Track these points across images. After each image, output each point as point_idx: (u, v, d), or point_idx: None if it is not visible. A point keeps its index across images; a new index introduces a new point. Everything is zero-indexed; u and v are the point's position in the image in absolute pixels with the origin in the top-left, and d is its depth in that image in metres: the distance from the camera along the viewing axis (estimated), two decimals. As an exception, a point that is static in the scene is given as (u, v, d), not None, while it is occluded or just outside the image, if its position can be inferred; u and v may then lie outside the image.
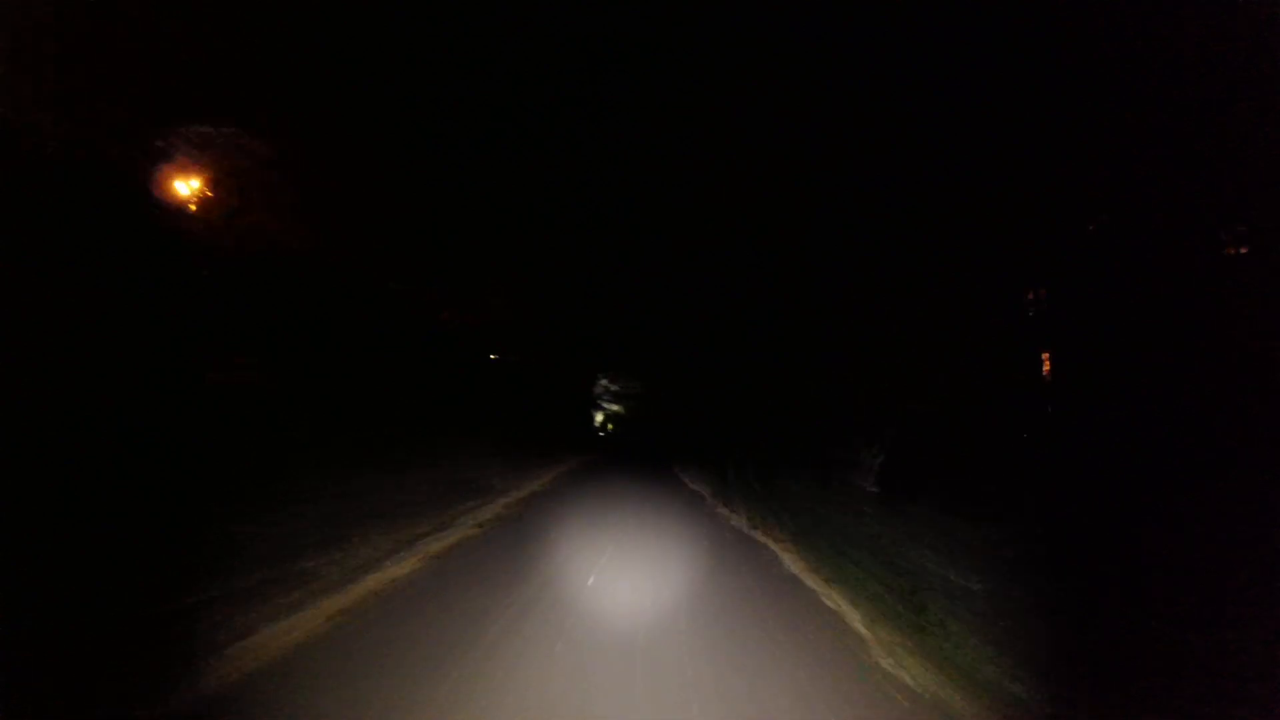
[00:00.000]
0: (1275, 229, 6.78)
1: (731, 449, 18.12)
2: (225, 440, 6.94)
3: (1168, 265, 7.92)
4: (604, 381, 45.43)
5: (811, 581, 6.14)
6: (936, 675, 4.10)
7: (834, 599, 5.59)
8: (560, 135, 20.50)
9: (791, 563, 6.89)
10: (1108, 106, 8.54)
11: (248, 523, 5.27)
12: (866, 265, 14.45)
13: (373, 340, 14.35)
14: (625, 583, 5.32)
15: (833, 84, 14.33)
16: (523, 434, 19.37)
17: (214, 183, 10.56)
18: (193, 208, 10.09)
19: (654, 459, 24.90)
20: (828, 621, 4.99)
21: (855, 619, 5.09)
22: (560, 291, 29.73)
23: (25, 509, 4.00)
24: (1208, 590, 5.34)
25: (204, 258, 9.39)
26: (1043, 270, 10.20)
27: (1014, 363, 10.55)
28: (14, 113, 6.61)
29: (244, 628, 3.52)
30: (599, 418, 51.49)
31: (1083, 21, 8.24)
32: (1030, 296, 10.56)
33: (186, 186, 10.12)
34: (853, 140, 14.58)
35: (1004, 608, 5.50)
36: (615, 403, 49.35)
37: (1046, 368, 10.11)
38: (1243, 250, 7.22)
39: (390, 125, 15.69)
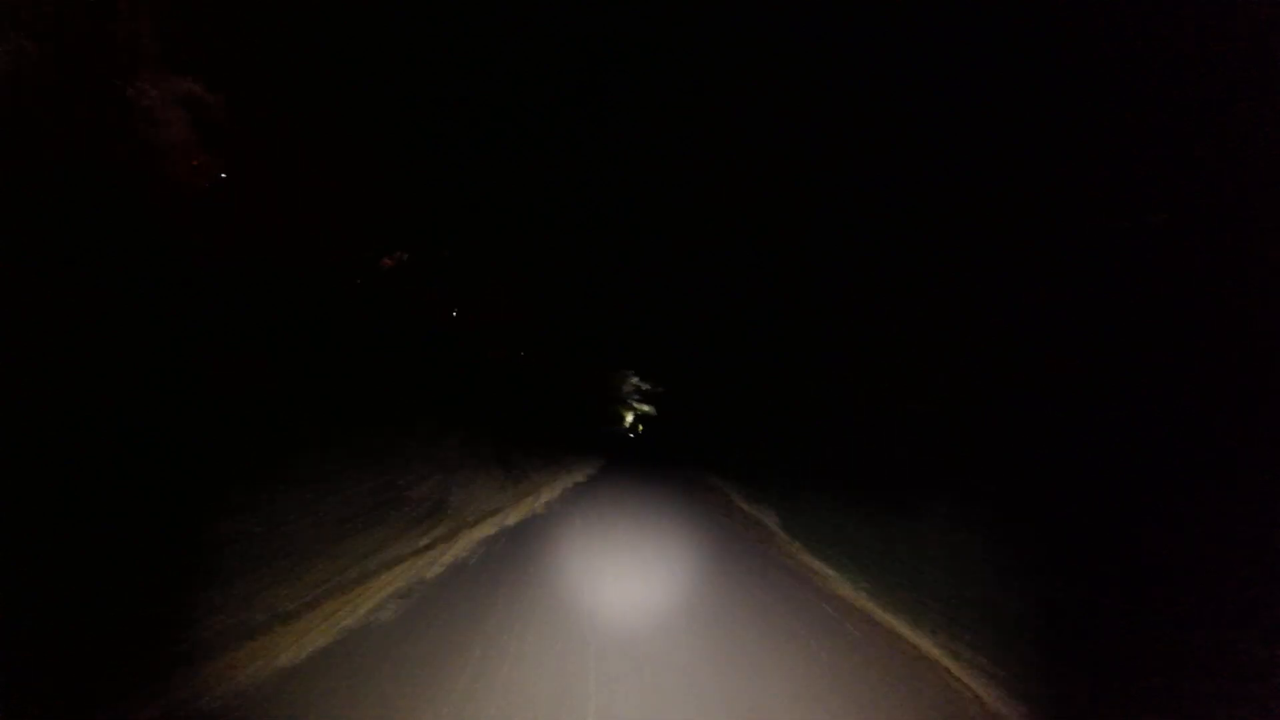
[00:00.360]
0: (1275, 229, 6.77)
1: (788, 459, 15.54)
2: (213, 444, 6.54)
3: (1167, 265, 7.92)
4: (634, 380, 41.42)
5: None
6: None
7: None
8: (563, 135, 20.51)
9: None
10: (1108, 106, 8.54)
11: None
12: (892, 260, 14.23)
13: (373, 340, 14.35)
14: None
15: (833, 84, 14.33)
16: (529, 436, 18.94)
17: (214, 180, 10.56)
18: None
19: (688, 466, 20.82)
20: None
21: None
22: (573, 291, 29.40)
23: None
24: (1208, 590, 5.34)
25: (203, 256, 9.39)
26: (1042, 270, 10.20)
27: (1019, 362, 10.53)
28: (13, 109, 6.61)
29: None
30: (629, 418, 48.97)
31: (1082, 21, 8.25)
32: (1032, 297, 10.56)
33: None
34: (854, 140, 14.58)
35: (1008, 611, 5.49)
36: (646, 402, 45.67)
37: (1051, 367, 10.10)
38: (1243, 249, 7.21)
39: (391, 125, 15.69)
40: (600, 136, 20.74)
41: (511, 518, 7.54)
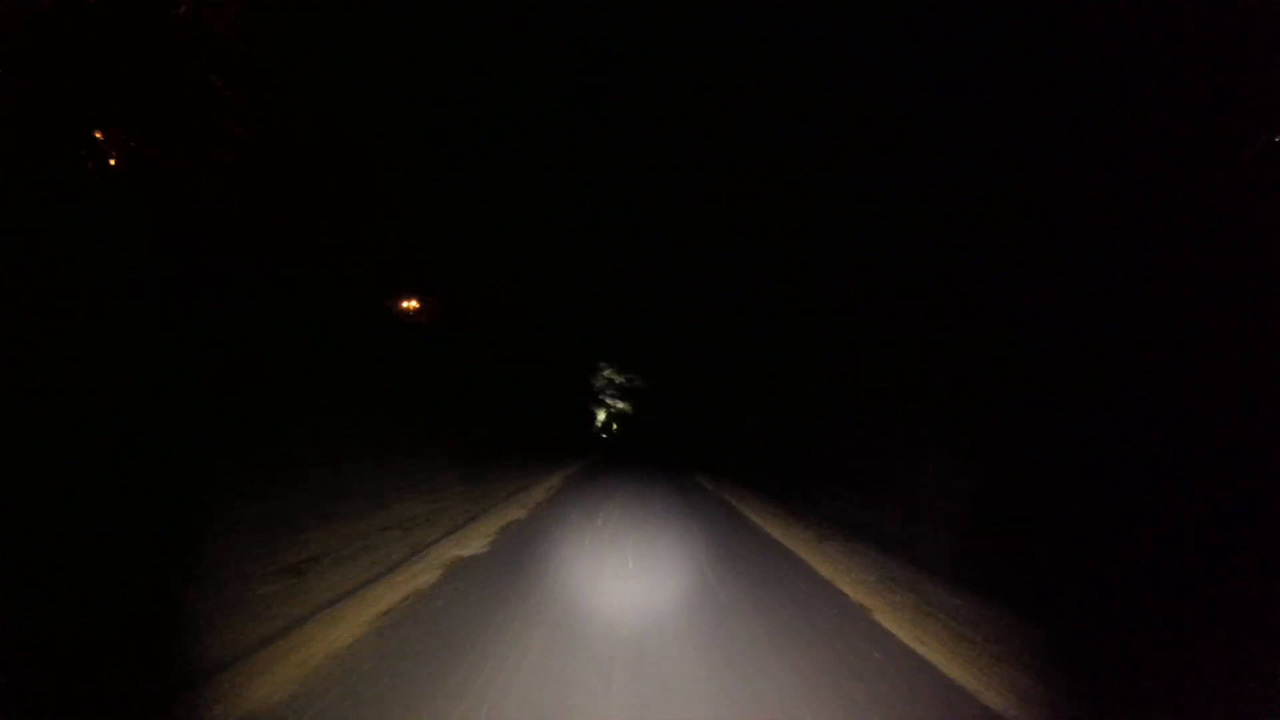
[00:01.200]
0: (1275, 228, 6.77)
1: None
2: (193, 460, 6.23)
3: (1167, 264, 7.92)
4: (607, 373, 34.82)
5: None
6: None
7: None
8: (561, 135, 20.51)
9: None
10: (1107, 106, 8.54)
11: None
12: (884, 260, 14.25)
13: (370, 341, 14.35)
14: None
15: (833, 84, 14.33)
16: (505, 438, 18.39)
17: (215, 181, 10.55)
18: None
19: (685, 478, 16.60)
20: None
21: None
22: (561, 289, 29.24)
23: None
24: (1208, 590, 5.33)
25: (202, 258, 9.38)
26: (1042, 269, 10.20)
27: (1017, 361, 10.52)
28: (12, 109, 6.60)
29: None
30: (601, 416, 42.14)
31: (1082, 21, 8.25)
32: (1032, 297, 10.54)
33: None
34: (854, 140, 14.58)
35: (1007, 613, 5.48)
36: (621, 399, 39.00)
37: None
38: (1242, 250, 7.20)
39: (391, 125, 15.68)
40: (599, 133, 20.74)
41: (429, 575, 3.51)
